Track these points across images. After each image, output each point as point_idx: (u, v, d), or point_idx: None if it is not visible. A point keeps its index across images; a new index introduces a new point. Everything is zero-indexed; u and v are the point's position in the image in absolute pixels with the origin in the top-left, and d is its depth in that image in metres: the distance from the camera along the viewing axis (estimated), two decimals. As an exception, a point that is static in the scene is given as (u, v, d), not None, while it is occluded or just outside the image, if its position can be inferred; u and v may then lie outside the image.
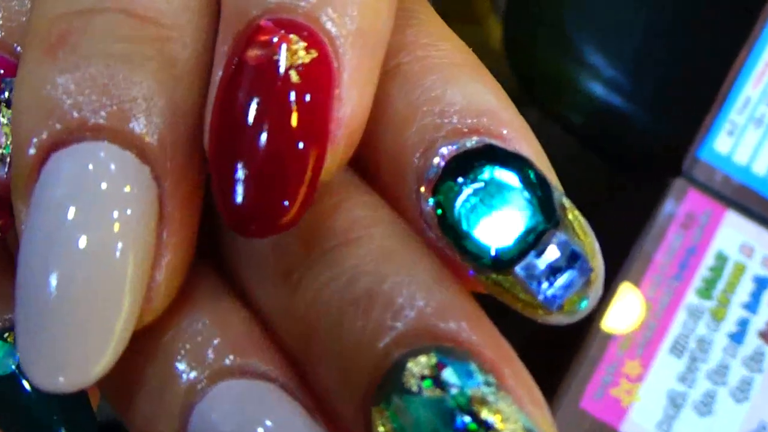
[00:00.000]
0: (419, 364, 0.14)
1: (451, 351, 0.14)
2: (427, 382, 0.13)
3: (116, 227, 0.14)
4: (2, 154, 0.16)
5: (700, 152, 0.48)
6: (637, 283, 0.48)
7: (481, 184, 0.15)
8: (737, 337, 0.50)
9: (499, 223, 0.14)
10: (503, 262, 0.14)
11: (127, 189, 0.14)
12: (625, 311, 0.49)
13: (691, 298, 0.49)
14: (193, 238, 0.16)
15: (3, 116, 0.16)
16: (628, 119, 0.55)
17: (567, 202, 0.15)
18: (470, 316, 0.15)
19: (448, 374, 0.13)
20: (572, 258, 0.14)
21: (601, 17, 0.55)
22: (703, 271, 0.49)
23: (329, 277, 0.15)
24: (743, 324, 0.50)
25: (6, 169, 0.16)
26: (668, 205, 0.48)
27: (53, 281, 0.13)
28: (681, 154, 0.48)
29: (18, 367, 0.16)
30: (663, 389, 0.54)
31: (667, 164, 0.49)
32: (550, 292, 0.14)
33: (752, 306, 0.50)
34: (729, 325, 0.50)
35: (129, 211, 0.14)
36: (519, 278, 0.14)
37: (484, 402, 0.13)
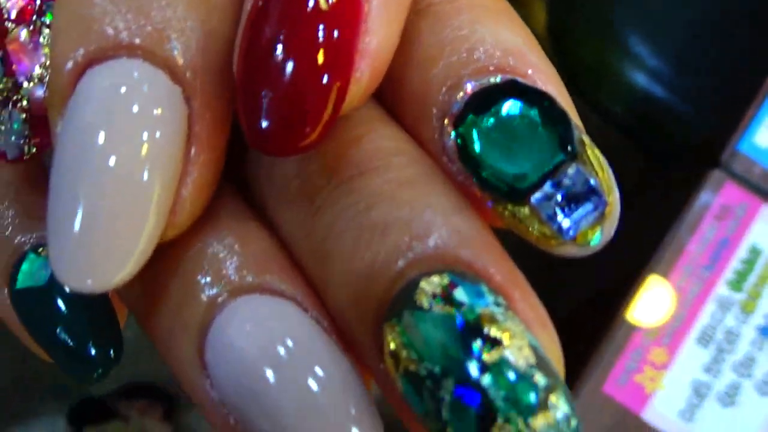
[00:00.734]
0: (431, 284, 0.14)
1: (463, 273, 0.14)
2: (438, 300, 0.14)
3: (145, 149, 0.14)
4: (41, 74, 0.17)
5: (739, 145, 0.47)
6: (667, 272, 0.49)
7: (502, 117, 0.15)
8: (766, 331, 0.50)
9: (517, 154, 0.15)
10: (520, 192, 0.15)
11: (158, 111, 0.14)
12: (654, 301, 0.49)
13: (721, 289, 0.49)
14: (220, 160, 0.16)
15: (43, 38, 0.17)
16: (669, 110, 0.55)
17: (586, 139, 0.15)
18: (485, 244, 0.15)
19: (459, 293, 0.14)
20: (588, 190, 0.15)
21: (648, 7, 0.55)
22: (735, 263, 0.49)
23: (348, 204, 0.16)
24: (773, 318, 0.50)
25: (45, 89, 0.17)
26: (704, 196, 0.48)
27: (82, 195, 0.14)
28: (719, 146, 0.48)
29: (51, 279, 0.17)
30: (688, 378, 0.54)
31: (705, 156, 0.49)
32: (564, 223, 0.15)
33: (783, 300, 0.49)
34: (758, 318, 0.50)
35: (158, 134, 0.14)
36: (535, 208, 0.15)
37: (492, 320, 0.13)
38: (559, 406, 0.13)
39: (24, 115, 0.17)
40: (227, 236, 0.16)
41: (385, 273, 0.15)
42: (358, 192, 0.16)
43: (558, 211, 0.15)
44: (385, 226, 0.15)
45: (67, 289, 0.14)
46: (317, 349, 0.15)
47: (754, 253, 0.49)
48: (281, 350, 0.14)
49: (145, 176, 0.14)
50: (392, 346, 0.14)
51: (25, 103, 0.17)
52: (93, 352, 0.17)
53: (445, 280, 0.14)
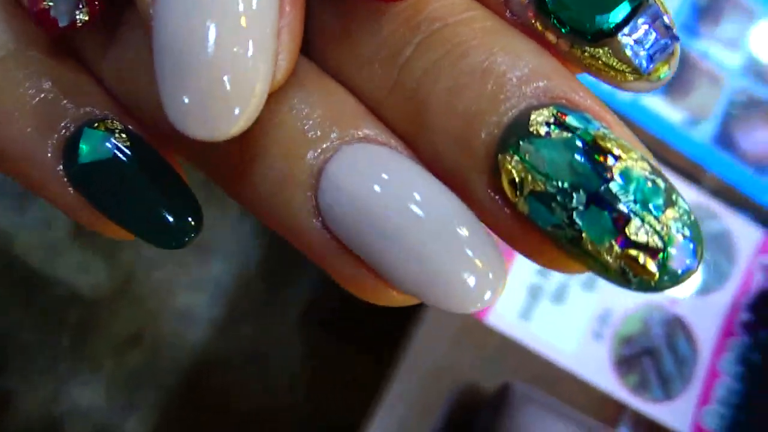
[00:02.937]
0: (542, 115, 0.15)
1: (568, 106, 0.15)
2: (553, 127, 0.15)
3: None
4: None
5: None
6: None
7: None
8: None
9: None
10: (604, 32, 0.16)
11: None
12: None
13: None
14: (304, 13, 0.17)
15: None
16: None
17: None
18: (576, 81, 0.16)
19: (571, 120, 0.15)
20: (664, 27, 0.16)
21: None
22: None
23: (440, 54, 0.16)
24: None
25: None
26: None
27: (210, 48, 0.14)
28: None
29: (118, 149, 0.17)
30: (523, 282, 0.59)
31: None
32: (644, 58, 0.16)
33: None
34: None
35: None
36: (619, 45, 0.16)
37: (608, 138, 0.14)
38: (680, 203, 0.14)
39: None
40: (315, 93, 0.17)
41: (492, 111, 0.15)
42: (449, 41, 0.16)
43: (638, 47, 0.16)
44: (484, 70, 0.16)
45: (190, 135, 0.15)
46: (428, 181, 0.16)
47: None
48: (394, 185, 0.15)
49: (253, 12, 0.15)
50: (513, 172, 0.15)
51: None
52: (171, 219, 0.17)
53: (554, 111, 0.15)
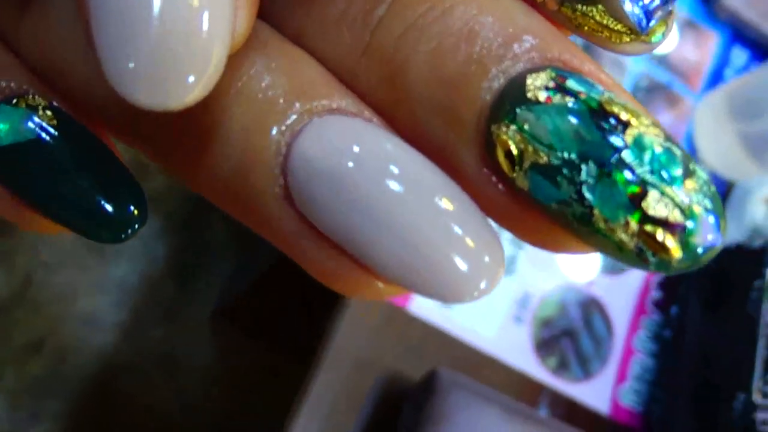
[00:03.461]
0: (540, 79, 0.13)
1: (565, 69, 0.14)
2: (553, 92, 0.13)
3: None
4: None
5: None
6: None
7: None
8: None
9: None
10: None
11: None
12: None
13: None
14: None
15: None
16: None
17: None
18: (573, 46, 0.15)
19: (572, 84, 0.13)
20: None
21: None
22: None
23: (419, 13, 0.15)
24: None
25: None
26: None
27: (158, 7, 0.12)
28: None
29: (42, 129, 0.15)
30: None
31: None
32: (642, 14, 0.14)
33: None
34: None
35: None
36: (614, 2, 0.14)
37: (615, 103, 0.13)
38: (699, 173, 0.13)
39: None
40: (278, 60, 0.15)
41: (482, 75, 0.14)
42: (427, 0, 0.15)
43: (635, 4, 0.14)
44: (470, 29, 0.14)
45: (140, 104, 0.13)
46: (409, 154, 0.14)
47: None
48: (370, 159, 0.14)
49: None
50: (510, 144, 0.13)
51: None
52: (110, 209, 0.15)
53: (552, 74, 0.14)
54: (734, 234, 0.67)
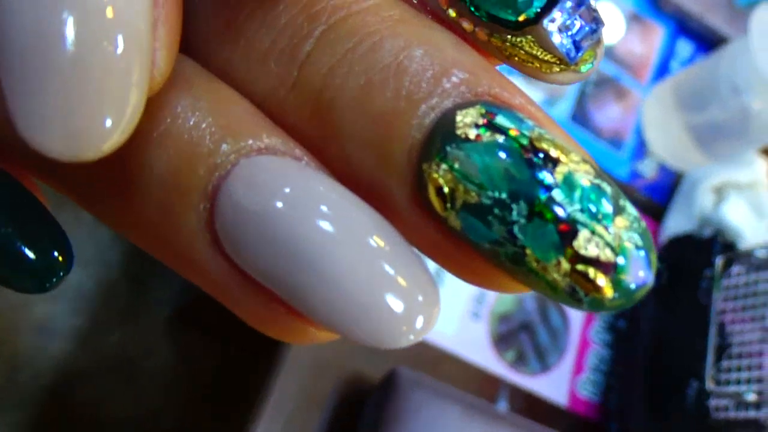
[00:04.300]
0: (469, 115, 0.13)
1: (494, 103, 0.14)
2: (483, 129, 0.13)
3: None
4: None
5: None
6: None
7: None
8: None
9: None
10: (527, 19, 0.14)
11: None
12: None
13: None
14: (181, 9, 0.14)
15: None
16: None
17: None
18: (500, 76, 0.14)
19: (502, 120, 0.13)
20: (590, 12, 0.14)
21: None
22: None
23: (346, 47, 0.14)
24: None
25: None
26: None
27: (69, 43, 0.12)
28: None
29: None
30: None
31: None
32: (571, 46, 0.14)
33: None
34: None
35: None
36: (543, 33, 0.14)
37: (545, 140, 0.13)
38: (629, 209, 0.13)
39: None
40: (204, 99, 0.14)
41: (411, 111, 0.14)
42: (355, 32, 0.14)
43: (563, 34, 0.14)
44: (399, 64, 0.14)
45: (51, 155, 0.12)
46: (339, 194, 0.14)
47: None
48: (300, 200, 0.13)
49: (134, 14, 0.12)
50: (441, 182, 0.13)
51: None
52: (33, 256, 0.14)
53: (482, 110, 0.13)
54: (684, 224, 0.67)
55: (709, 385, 0.57)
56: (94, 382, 0.96)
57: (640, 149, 0.72)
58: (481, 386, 0.61)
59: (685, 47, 0.76)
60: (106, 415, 0.95)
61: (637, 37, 0.74)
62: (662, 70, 0.74)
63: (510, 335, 0.63)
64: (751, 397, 0.55)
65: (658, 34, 0.75)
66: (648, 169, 0.71)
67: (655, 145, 0.71)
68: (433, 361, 0.60)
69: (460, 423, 0.53)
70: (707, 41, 0.76)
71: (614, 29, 0.74)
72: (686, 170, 0.71)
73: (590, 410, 0.64)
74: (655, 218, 0.70)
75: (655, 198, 0.71)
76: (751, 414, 0.55)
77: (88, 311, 0.97)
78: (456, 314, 0.61)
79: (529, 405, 0.62)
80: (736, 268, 0.60)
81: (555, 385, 0.63)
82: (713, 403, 0.57)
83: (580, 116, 0.70)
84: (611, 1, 0.74)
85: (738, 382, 0.57)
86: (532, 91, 0.67)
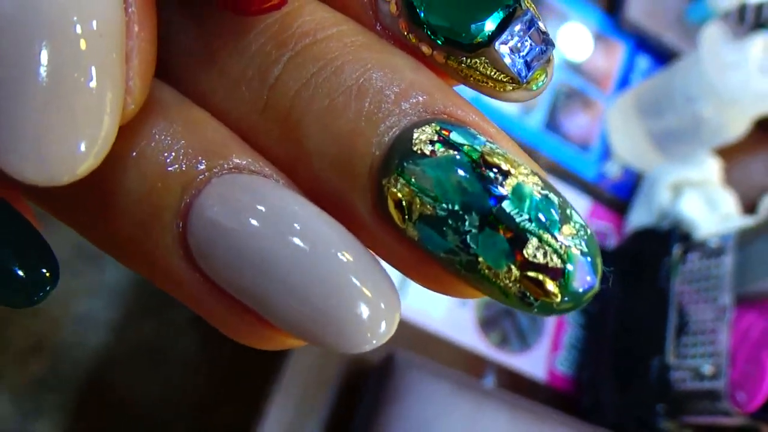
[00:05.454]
0: (425, 133, 0.13)
1: (449, 121, 0.14)
2: (438, 145, 0.13)
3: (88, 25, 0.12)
4: None
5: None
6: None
7: None
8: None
9: (469, 7, 0.14)
10: (480, 42, 0.14)
11: None
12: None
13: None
14: (155, 36, 0.14)
15: None
16: None
17: None
18: (455, 95, 0.14)
19: (455, 137, 0.13)
20: (540, 33, 0.15)
21: None
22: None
23: (311, 72, 0.14)
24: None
25: None
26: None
27: (43, 74, 0.12)
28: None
29: None
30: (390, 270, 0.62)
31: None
32: (521, 65, 0.14)
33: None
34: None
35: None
36: (495, 55, 0.14)
37: (495, 154, 0.13)
38: (575, 217, 0.13)
39: None
40: (178, 123, 0.14)
41: (371, 130, 0.14)
42: (320, 58, 0.14)
43: (515, 55, 0.14)
44: (360, 87, 0.14)
45: (27, 181, 0.12)
46: (307, 210, 0.14)
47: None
48: (270, 216, 0.14)
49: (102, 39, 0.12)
50: (399, 196, 0.13)
51: None
52: (21, 273, 0.14)
53: (437, 127, 0.13)
54: (645, 218, 0.70)
55: (671, 359, 0.59)
56: (127, 368, 0.99)
57: (606, 152, 0.75)
58: (469, 365, 0.63)
59: (643, 62, 0.79)
60: (137, 396, 0.98)
61: (601, 53, 0.77)
62: (624, 82, 0.77)
63: (494, 319, 0.65)
64: (708, 369, 0.56)
65: (619, 51, 0.78)
66: (613, 170, 0.74)
67: (618, 149, 0.74)
68: (426, 343, 0.62)
69: (451, 398, 0.54)
70: (663, 56, 0.79)
71: (583, 47, 0.76)
72: (647, 170, 0.73)
73: (566, 384, 0.66)
74: (620, 213, 0.73)
75: (620, 195, 0.74)
76: (707, 385, 0.56)
77: (122, 306, 1.00)
78: (445, 300, 0.63)
79: (513, 381, 0.64)
80: (691, 256, 0.62)
81: (535, 362, 0.65)
82: (674, 375, 0.58)
83: (552, 124, 0.73)
84: (580, 21, 0.77)
85: (695, 356, 0.58)
86: (509, 104, 0.71)
